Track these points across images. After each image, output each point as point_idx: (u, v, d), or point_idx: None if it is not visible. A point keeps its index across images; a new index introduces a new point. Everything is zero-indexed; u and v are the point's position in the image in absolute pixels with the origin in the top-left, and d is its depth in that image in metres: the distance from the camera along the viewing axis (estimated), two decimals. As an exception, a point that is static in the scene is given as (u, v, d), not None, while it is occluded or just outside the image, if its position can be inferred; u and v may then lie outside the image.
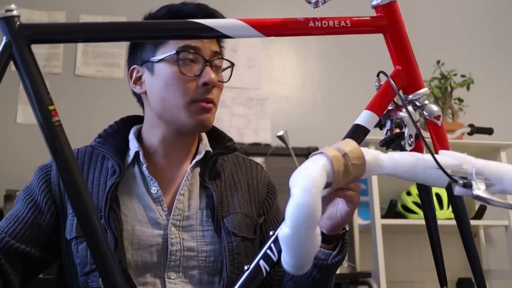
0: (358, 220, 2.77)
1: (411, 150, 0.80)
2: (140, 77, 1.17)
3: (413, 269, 2.85)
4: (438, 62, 2.99)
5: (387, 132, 0.81)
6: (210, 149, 1.20)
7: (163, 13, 1.16)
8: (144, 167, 1.14)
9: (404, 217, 2.69)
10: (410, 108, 0.80)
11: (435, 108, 0.81)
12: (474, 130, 2.94)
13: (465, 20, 3.44)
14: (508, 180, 0.71)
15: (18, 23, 0.72)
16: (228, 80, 1.18)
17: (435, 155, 0.69)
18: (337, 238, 0.99)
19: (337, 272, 2.74)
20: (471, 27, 3.43)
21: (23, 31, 0.72)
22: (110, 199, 1.07)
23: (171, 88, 1.11)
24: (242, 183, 1.22)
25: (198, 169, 1.18)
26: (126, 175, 1.14)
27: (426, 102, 0.82)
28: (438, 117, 0.81)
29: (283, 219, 0.64)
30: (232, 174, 1.22)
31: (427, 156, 0.70)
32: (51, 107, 0.71)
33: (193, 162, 1.17)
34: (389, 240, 2.73)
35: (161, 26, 0.76)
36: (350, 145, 0.69)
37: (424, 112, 0.81)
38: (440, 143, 0.81)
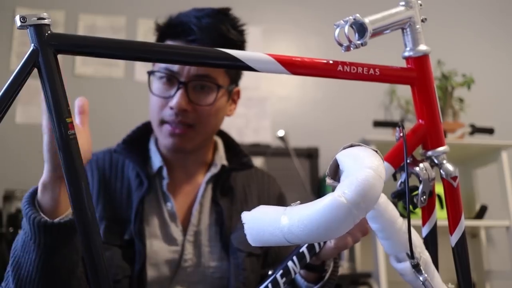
0: (358, 221, 2.76)
1: (422, 208, 0.80)
2: None
3: (414, 269, 2.83)
4: (438, 62, 2.98)
5: (400, 185, 0.80)
6: (226, 163, 1.18)
7: (164, 23, 1.14)
8: (164, 182, 1.12)
9: (404, 217, 2.68)
10: (427, 165, 0.79)
11: (451, 168, 0.80)
12: (475, 130, 2.93)
13: (465, 19, 3.43)
14: (436, 284, 0.75)
15: (48, 31, 0.72)
16: (213, 103, 1.09)
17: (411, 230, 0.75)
18: (314, 269, 0.95)
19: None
20: (471, 26, 3.42)
21: (51, 41, 0.71)
22: (140, 212, 1.06)
23: (151, 104, 1.11)
24: (253, 195, 1.20)
25: (211, 184, 1.16)
26: (150, 188, 1.12)
27: (445, 161, 0.80)
28: (454, 178, 0.79)
29: None
30: (244, 187, 1.20)
31: (404, 222, 0.76)
32: (69, 120, 0.71)
33: (208, 175, 1.16)
34: (389, 241, 2.72)
35: (186, 51, 0.75)
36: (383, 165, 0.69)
37: (441, 171, 0.79)
38: (453, 205, 0.80)
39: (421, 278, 0.73)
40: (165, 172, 1.12)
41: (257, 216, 0.64)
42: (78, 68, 2.92)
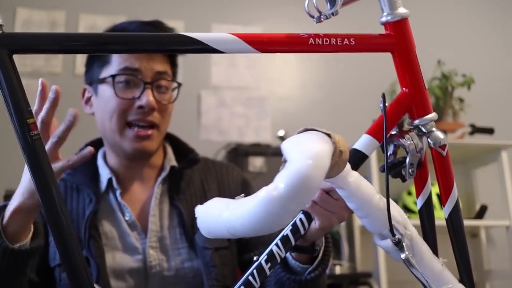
0: (358, 221, 2.76)
1: (414, 179, 0.77)
2: (90, 97, 1.17)
3: (414, 269, 2.83)
4: (438, 61, 2.98)
5: (389, 157, 0.76)
6: (175, 164, 1.19)
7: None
8: (117, 193, 1.13)
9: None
10: (413, 134, 0.75)
11: (441, 135, 0.76)
12: (475, 130, 2.93)
13: (465, 19, 3.43)
14: (425, 259, 0.72)
15: (0, 32, 0.68)
16: (174, 100, 1.16)
17: (391, 204, 0.70)
18: (304, 250, 0.93)
19: (337, 272, 2.72)
20: (471, 26, 3.42)
21: (4, 41, 0.68)
22: (89, 227, 1.06)
23: (109, 110, 1.11)
24: (212, 189, 1.19)
25: (166, 186, 1.17)
26: (103, 203, 1.13)
27: (433, 129, 0.76)
28: (443, 147, 0.75)
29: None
30: (202, 183, 1.20)
31: (383, 199, 0.71)
32: (30, 121, 0.69)
33: (159, 180, 1.16)
34: (389, 240, 2.72)
35: (147, 39, 0.72)
36: (344, 144, 0.66)
37: (429, 140, 0.76)
38: (444, 175, 0.76)
39: (401, 256, 0.70)
40: (115, 183, 1.14)
41: (206, 210, 0.64)
42: (78, 68, 2.92)
